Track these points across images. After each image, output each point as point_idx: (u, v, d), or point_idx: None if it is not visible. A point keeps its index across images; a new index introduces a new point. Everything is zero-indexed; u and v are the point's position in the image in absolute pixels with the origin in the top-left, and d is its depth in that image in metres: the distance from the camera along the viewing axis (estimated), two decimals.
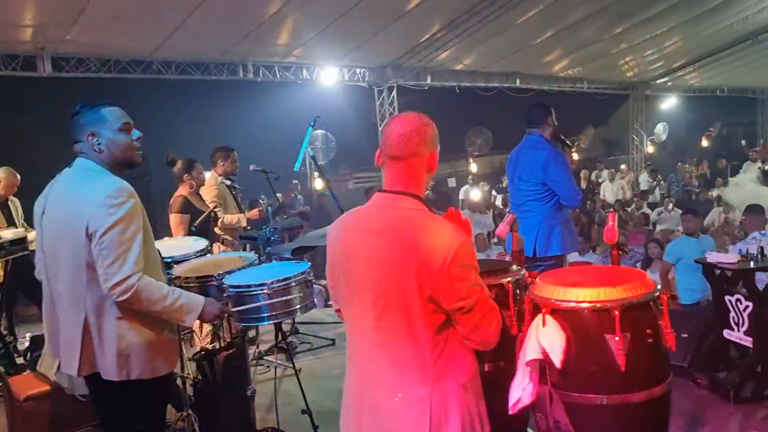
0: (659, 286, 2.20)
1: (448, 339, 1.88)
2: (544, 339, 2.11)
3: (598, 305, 2.08)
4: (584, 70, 13.45)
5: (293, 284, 2.92)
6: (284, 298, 2.88)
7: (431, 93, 11.88)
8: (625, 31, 11.07)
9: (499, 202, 11.45)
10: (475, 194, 10.30)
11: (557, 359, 2.09)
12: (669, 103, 17.34)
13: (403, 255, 1.83)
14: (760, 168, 13.62)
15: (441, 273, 1.77)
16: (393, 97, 11.51)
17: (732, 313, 4.39)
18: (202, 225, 4.59)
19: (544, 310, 2.15)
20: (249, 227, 5.53)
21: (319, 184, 11.74)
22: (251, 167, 5.46)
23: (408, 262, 1.81)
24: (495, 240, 8.97)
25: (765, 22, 12.13)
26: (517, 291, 2.43)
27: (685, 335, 4.45)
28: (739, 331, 4.31)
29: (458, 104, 12.62)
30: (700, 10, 10.56)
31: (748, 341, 4.23)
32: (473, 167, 14.96)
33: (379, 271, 1.87)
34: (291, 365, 3.76)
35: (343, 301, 2.03)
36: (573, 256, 6.91)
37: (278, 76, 9.79)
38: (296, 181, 12.40)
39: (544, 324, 2.13)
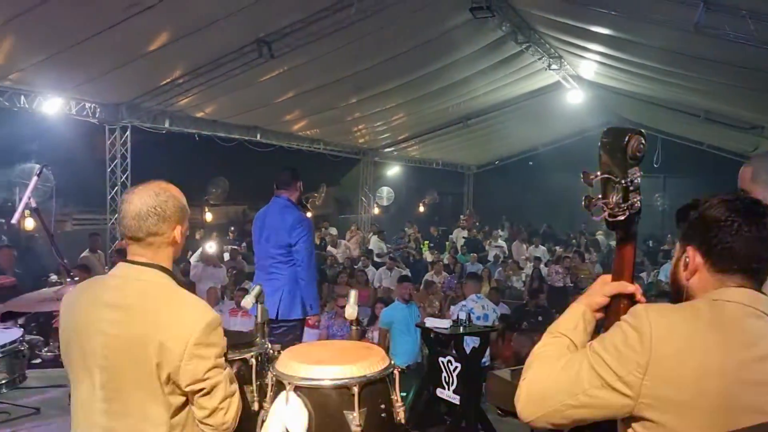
0: (393, 361, 2.36)
1: (186, 423, 1.78)
2: (287, 417, 2.11)
3: (340, 382, 2.16)
4: (321, 132, 14.18)
5: None
6: None
7: (169, 137, 11.40)
8: (359, 102, 12.00)
9: (226, 256, 11.26)
10: (210, 246, 10.05)
11: None
12: (394, 170, 19.05)
13: (142, 331, 1.71)
14: (465, 237, 15.61)
15: (183, 351, 1.69)
16: (126, 137, 10.79)
17: (444, 373, 4.89)
18: None
19: (288, 388, 2.16)
20: None
21: (30, 223, 10.34)
22: None
23: (147, 338, 1.69)
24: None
25: (474, 109, 14.17)
26: (260, 365, 2.41)
27: (403, 393, 4.84)
28: (449, 389, 4.82)
29: (197, 151, 12.30)
30: (422, 92, 11.95)
31: (455, 399, 4.75)
32: (208, 216, 14.62)
33: (113, 348, 1.72)
34: None
35: (72, 382, 1.82)
36: None
37: None
38: (2, 221, 10.78)
39: (287, 402, 2.13)
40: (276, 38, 8.51)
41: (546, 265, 12.80)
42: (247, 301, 2.56)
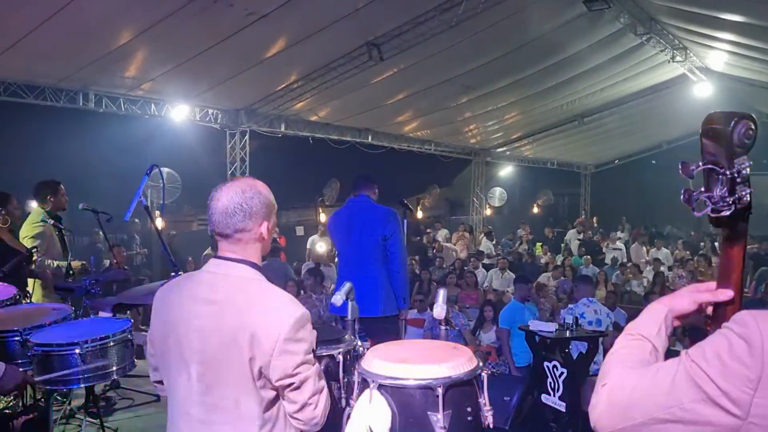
0: (482, 363, 2.29)
1: (278, 418, 1.82)
2: (370, 416, 2.10)
3: (423, 382, 2.12)
4: (432, 133, 14.17)
5: (111, 344, 2.69)
6: (99, 359, 2.65)
7: (284, 140, 11.87)
8: (470, 102, 11.86)
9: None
10: (321, 246, 10.34)
11: None
12: (506, 170, 18.68)
13: (235, 326, 1.75)
14: (579, 239, 15.01)
15: (273, 346, 1.72)
16: (245, 141, 11.35)
17: (549, 379, 4.71)
18: (14, 268, 4.13)
19: (372, 386, 2.15)
20: (73, 274, 5.05)
21: (160, 224, 11.13)
22: (81, 205, 5.05)
23: (240, 333, 1.74)
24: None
25: (590, 106, 13.60)
26: (348, 361, 2.43)
27: (507, 398, 4.70)
28: (554, 395, 4.64)
29: (311, 154, 12.69)
30: (536, 89, 11.62)
31: (562, 406, 4.56)
32: (322, 217, 15.04)
33: (208, 342, 1.78)
34: (101, 427, 3.44)
35: (168, 374, 1.90)
36: (411, 313, 7.13)
37: (123, 109, 9.26)
38: (137, 220, 11.69)
39: (371, 400, 2.12)
40: (385, 40, 8.59)
41: (669, 269, 12.05)
42: (337, 299, 2.57)
